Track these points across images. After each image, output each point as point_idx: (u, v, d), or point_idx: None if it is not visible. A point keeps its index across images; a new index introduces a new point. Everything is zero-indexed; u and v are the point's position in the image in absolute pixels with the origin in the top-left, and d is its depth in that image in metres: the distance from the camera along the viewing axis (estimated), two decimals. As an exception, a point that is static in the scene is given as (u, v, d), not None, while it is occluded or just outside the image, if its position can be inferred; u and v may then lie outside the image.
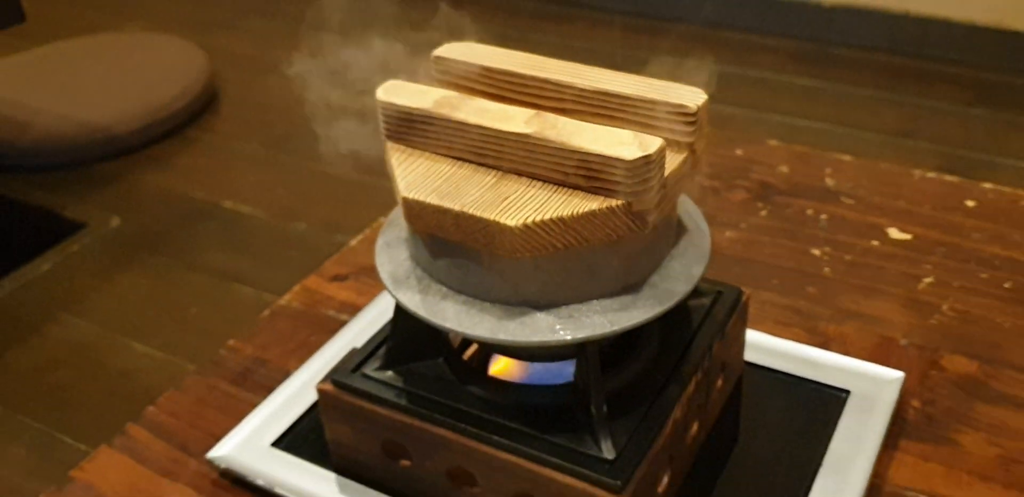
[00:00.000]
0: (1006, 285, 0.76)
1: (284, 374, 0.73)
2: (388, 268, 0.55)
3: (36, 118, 1.94)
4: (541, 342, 0.50)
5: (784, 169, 0.92)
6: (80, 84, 2.07)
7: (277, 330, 0.78)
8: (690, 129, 0.50)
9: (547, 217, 0.47)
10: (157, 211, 1.76)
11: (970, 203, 0.85)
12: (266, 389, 0.72)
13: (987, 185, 0.87)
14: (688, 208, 0.58)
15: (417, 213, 0.49)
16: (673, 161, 0.50)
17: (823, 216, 0.85)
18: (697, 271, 0.53)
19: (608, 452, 0.52)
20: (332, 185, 1.74)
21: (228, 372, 0.74)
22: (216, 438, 0.67)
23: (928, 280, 0.77)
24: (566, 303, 0.51)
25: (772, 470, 0.61)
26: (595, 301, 0.51)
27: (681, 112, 0.49)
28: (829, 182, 0.90)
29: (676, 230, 0.55)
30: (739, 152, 0.95)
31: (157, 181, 1.85)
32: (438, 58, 0.55)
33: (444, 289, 0.53)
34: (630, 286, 0.52)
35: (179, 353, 1.40)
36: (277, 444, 0.66)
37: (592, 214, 0.47)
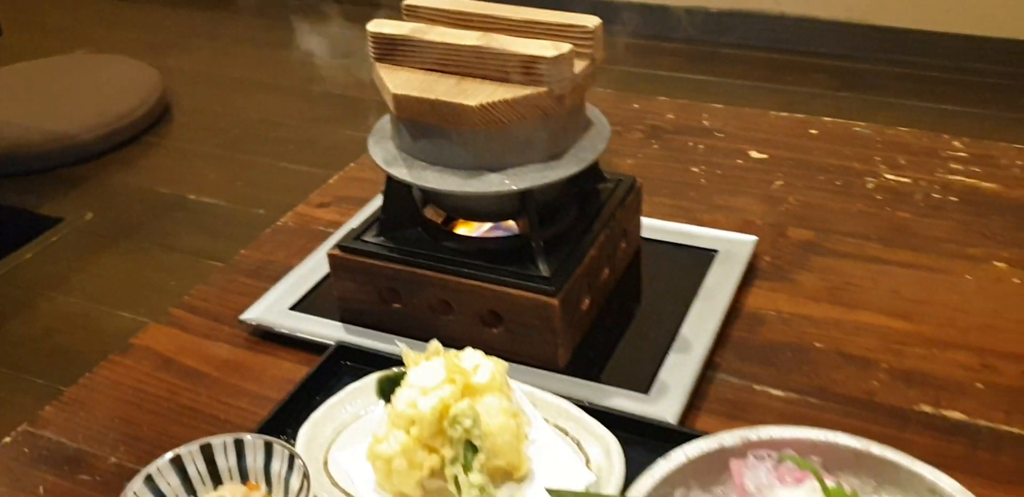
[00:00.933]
0: (837, 182, 1.00)
1: (290, 268, 0.93)
2: (380, 155, 0.77)
3: (5, 129, 2.11)
4: (496, 192, 0.72)
5: (671, 116, 1.16)
6: (44, 99, 2.24)
7: (279, 240, 0.99)
8: (590, 42, 0.73)
9: (496, 99, 0.69)
10: (128, 205, 1.94)
11: (813, 131, 1.10)
12: (277, 279, 0.92)
13: (827, 119, 1.12)
14: (595, 112, 0.81)
15: (404, 104, 0.71)
16: (579, 64, 0.73)
17: (700, 146, 1.09)
18: (601, 146, 0.76)
19: (545, 271, 0.74)
20: (286, 176, 1.95)
21: (244, 270, 0.95)
22: (240, 311, 0.87)
23: (779, 183, 1.01)
24: (511, 166, 0.73)
25: (663, 300, 0.84)
26: (531, 164, 0.73)
27: (583, 30, 0.72)
28: (705, 123, 1.14)
29: (585, 122, 0.78)
30: (636, 106, 1.19)
31: (124, 180, 2.03)
32: (408, 6, 0.78)
33: (424, 163, 0.75)
34: (555, 154, 0.74)
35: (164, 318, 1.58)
36: (294, 308, 0.86)
37: (526, 97, 0.70)
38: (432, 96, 0.70)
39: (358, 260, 0.80)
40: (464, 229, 0.82)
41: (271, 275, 0.93)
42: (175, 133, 2.21)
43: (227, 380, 0.81)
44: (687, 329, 0.79)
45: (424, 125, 0.73)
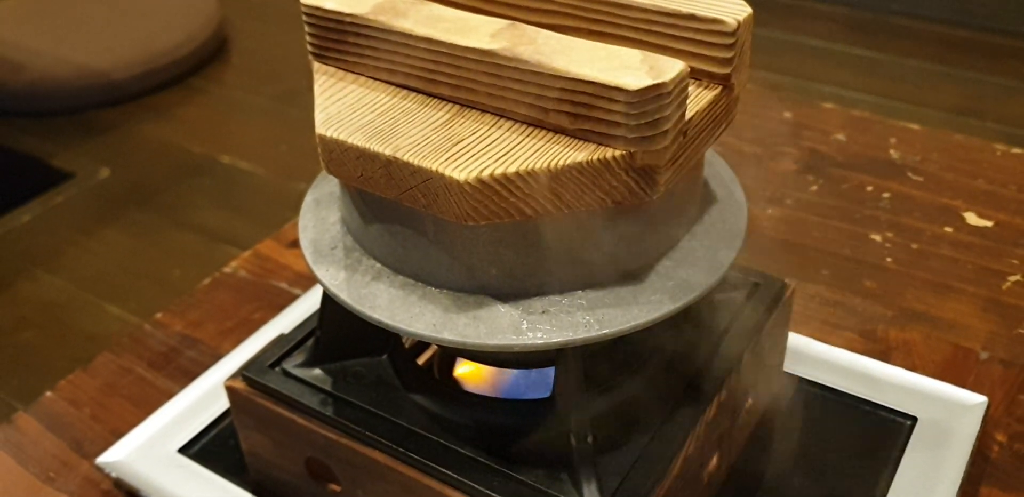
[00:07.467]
0: (1116, 288, 0.61)
1: (214, 358, 0.60)
2: (311, 234, 0.41)
3: (32, 60, 1.82)
4: (500, 346, 0.36)
5: (840, 137, 0.77)
6: (81, 27, 1.94)
7: (216, 303, 0.65)
8: (726, 55, 0.35)
9: (513, 170, 0.32)
10: (150, 164, 1.63)
11: (1069, 184, 0.70)
12: (189, 376, 0.59)
13: (1091, 164, 0.72)
14: (718, 170, 0.44)
15: (338, 158, 0.35)
16: (699, 100, 0.35)
17: (886, 194, 0.70)
18: (726, 256, 0.39)
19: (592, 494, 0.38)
20: (339, 143, 1.60)
21: (148, 352, 0.61)
22: (118, 436, 0.54)
23: (1014, 278, 0.62)
24: (540, 293, 0.37)
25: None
26: (580, 292, 0.37)
27: (714, 30, 0.35)
28: (893, 154, 0.74)
29: (700, 199, 0.41)
30: (788, 115, 0.80)
31: (153, 132, 1.72)
32: (395, -44, 0.41)
33: (378, 266, 0.39)
34: (631, 274, 0.38)
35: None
36: (185, 450, 0.52)
37: (579, 167, 0.33)
38: (387, 151, 0.33)
39: (272, 408, 0.45)
40: (462, 369, 0.46)
41: (183, 367, 0.60)
42: (223, 77, 1.88)
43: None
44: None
45: (378, 201, 0.37)
